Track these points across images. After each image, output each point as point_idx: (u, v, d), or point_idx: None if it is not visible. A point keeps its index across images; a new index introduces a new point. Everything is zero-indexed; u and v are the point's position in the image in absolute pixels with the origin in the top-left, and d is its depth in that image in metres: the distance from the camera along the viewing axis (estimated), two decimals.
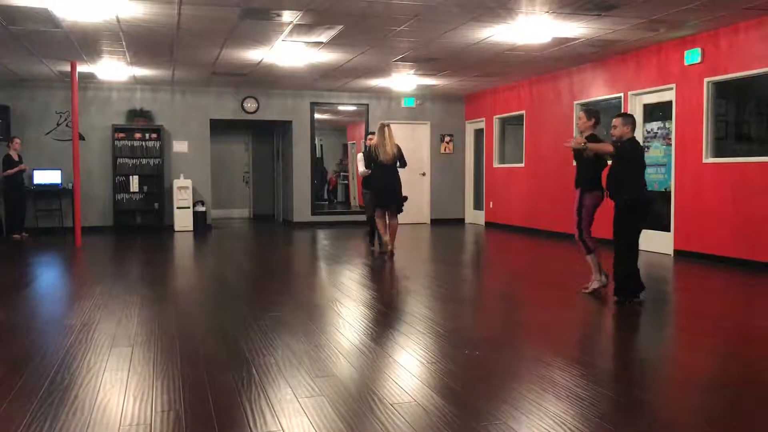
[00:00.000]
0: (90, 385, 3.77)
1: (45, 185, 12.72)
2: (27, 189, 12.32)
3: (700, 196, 8.74)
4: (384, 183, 8.96)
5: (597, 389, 3.68)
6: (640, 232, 5.97)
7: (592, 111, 6.44)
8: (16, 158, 11.80)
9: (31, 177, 12.50)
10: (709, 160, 8.64)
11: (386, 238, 9.04)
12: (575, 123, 11.29)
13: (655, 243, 9.59)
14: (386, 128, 9.00)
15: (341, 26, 8.20)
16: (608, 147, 6.02)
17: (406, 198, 9.28)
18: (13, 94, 12.60)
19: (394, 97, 14.86)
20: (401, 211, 9.12)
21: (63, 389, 3.70)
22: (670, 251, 9.23)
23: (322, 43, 9.14)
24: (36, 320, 5.63)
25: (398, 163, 9.08)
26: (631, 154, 5.89)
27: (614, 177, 5.97)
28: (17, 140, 11.93)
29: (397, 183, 9.08)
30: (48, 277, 8.30)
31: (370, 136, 9.73)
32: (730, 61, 8.31)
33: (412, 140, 15.01)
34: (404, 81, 12.62)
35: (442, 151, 15.18)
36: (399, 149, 9.07)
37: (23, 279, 7.81)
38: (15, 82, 12.51)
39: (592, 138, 6.20)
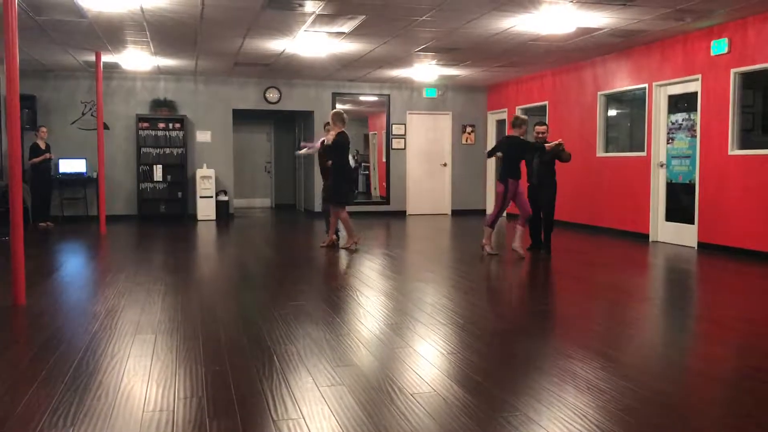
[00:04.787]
0: (114, 372, 3.83)
1: (70, 174, 12.89)
2: (53, 177, 12.50)
3: (725, 189, 8.62)
4: (352, 176, 9.03)
5: (619, 382, 3.66)
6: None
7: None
8: (43, 147, 11.96)
9: (56, 166, 12.67)
10: (734, 152, 8.52)
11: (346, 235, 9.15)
12: (599, 114, 11.20)
13: (679, 235, 9.50)
14: (344, 115, 9.02)
15: (364, 16, 8.19)
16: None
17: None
18: (39, 83, 12.76)
19: (416, 88, 14.82)
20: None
21: (88, 375, 3.76)
22: (694, 244, 9.13)
23: (344, 33, 9.13)
24: (61, 307, 5.72)
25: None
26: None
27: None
28: (44, 129, 12.08)
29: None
30: (73, 265, 8.41)
31: (329, 128, 9.68)
32: (758, 51, 8.16)
33: (434, 130, 14.99)
34: (426, 71, 12.57)
35: (464, 141, 15.13)
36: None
37: (49, 266, 7.93)
38: (41, 72, 12.67)
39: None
